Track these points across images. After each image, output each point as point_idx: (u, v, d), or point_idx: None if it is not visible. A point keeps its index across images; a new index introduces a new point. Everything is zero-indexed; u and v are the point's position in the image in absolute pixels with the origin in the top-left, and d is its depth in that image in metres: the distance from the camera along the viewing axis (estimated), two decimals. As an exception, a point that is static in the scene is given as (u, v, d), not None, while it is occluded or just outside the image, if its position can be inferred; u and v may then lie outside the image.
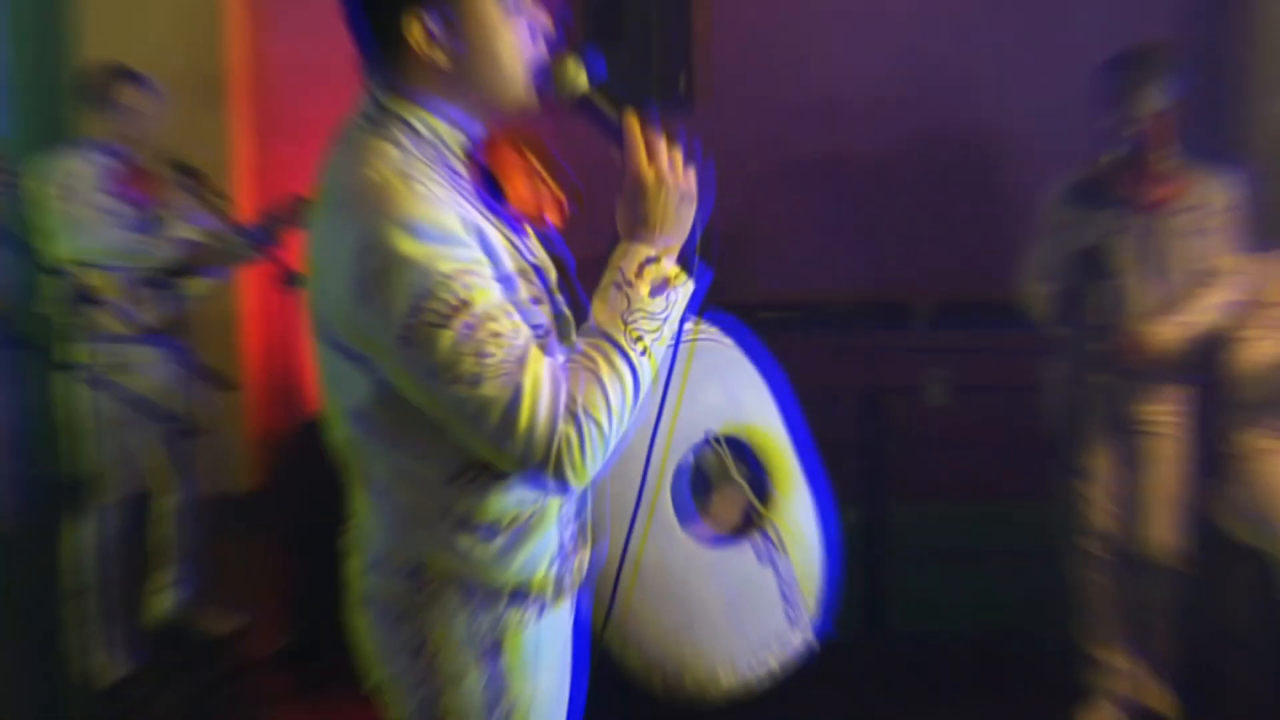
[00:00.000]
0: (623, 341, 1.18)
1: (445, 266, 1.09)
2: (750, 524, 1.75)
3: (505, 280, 1.17)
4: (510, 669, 1.30)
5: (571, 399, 1.14)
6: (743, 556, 1.74)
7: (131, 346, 2.95)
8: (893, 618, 3.25)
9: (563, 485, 1.17)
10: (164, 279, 2.94)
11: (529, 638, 1.31)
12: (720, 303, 3.24)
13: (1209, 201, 2.59)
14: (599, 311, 1.20)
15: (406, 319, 1.09)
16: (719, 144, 3.31)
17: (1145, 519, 2.66)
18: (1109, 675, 2.71)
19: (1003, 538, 3.23)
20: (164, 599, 3.32)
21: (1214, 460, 2.74)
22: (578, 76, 1.20)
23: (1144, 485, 2.67)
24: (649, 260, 1.20)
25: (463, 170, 1.24)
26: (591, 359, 1.16)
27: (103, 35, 3.86)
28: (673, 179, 1.20)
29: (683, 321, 1.30)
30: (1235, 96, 3.50)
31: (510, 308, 1.14)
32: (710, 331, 1.69)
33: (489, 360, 1.11)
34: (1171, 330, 2.53)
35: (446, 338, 1.10)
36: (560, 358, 1.16)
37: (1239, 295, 2.59)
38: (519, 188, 1.27)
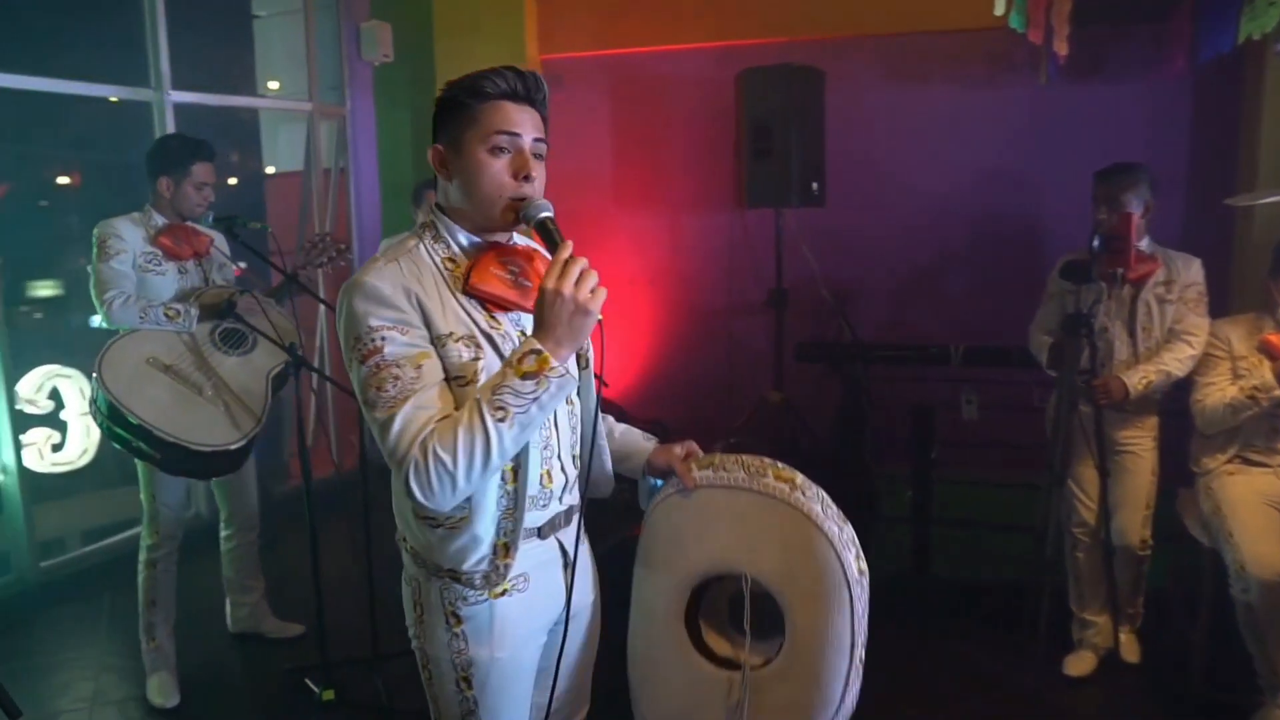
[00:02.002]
0: (485, 408, 1.35)
1: (373, 322, 1.40)
2: (734, 666, 1.71)
3: (437, 339, 1.43)
4: (467, 634, 1.55)
5: (428, 435, 1.36)
6: (713, 685, 1.71)
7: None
8: (935, 567, 3.90)
9: (418, 497, 1.37)
10: (213, 315, 3.05)
11: (479, 613, 1.54)
12: (830, 344, 4.22)
13: (1175, 279, 2.97)
14: (489, 380, 1.39)
15: (348, 350, 1.43)
16: (840, 231, 4.50)
17: (1120, 516, 3.07)
18: (1090, 630, 3.20)
19: (1014, 515, 3.78)
20: (241, 614, 3.58)
21: (1183, 474, 3.11)
22: (537, 210, 1.45)
23: (1120, 491, 3.06)
24: (534, 352, 1.36)
25: (456, 264, 1.49)
26: (464, 413, 1.37)
27: None
28: (571, 295, 1.34)
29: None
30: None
31: (415, 359, 1.40)
32: (793, 482, 1.62)
33: (383, 394, 1.39)
34: (1140, 377, 2.90)
35: (362, 370, 1.40)
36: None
37: (1197, 351, 2.93)
38: (492, 282, 1.48)
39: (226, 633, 3.65)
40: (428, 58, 5.51)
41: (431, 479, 1.35)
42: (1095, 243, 2.94)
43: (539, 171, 1.51)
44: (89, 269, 3.06)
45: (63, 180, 5.58)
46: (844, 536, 1.60)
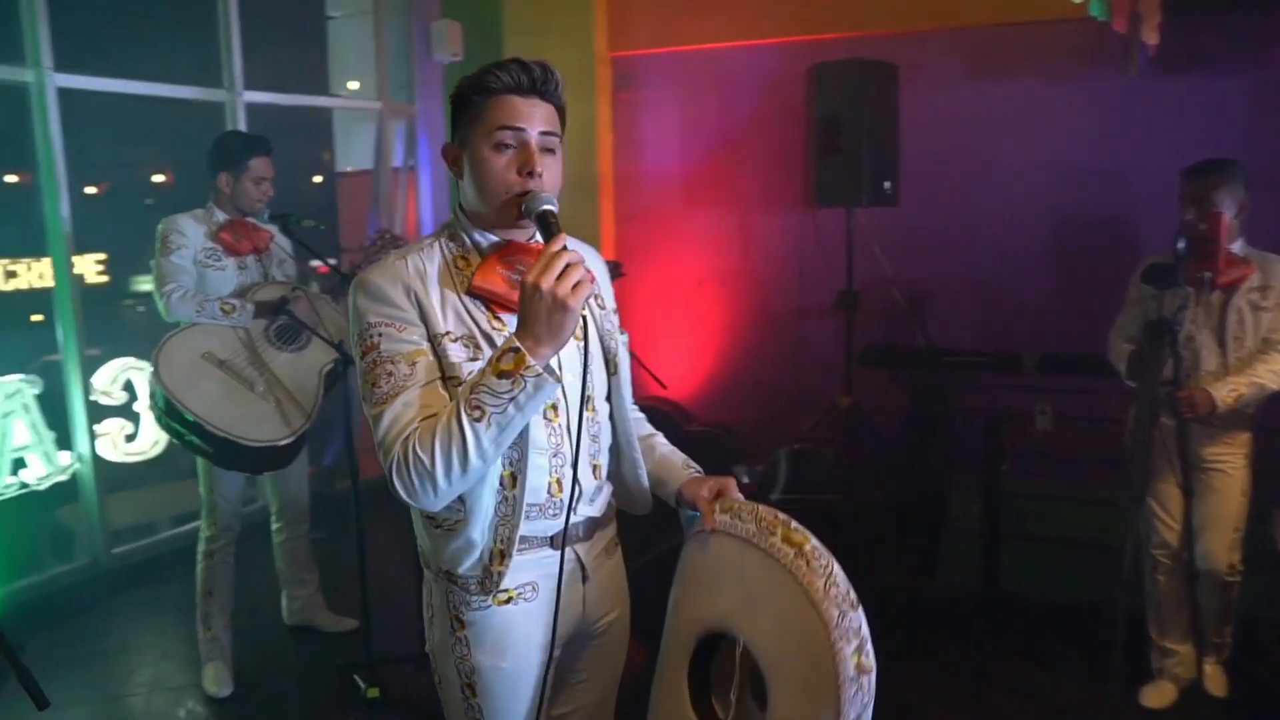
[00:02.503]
0: (463, 407, 1.32)
1: (372, 318, 1.42)
2: None
3: (434, 338, 1.42)
4: (469, 640, 1.53)
5: (411, 433, 1.35)
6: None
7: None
8: (1004, 584, 3.74)
9: (402, 494, 1.37)
10: (268, 311, 3.09)
11: (479, 618, 1.52)
12: (895, 349, 4.06)
13: (1272, 284, 2.77)
14: (470, 379, 1.36)
15: (352, 345, 1.46)
16: (914, 231, 4.35)
17: (1205, 538, 2.86)
18: (1171, 659, 3.01)
19: (1090, 532, 3.61)
20: (295, 606, 3.64)
21: (1277, 495, 2.95)
22: (539, 203, 1.41)
23: (1206, 512, 2.86)
24: (512, 350, 1.31)
25: (469, 262, 1.48)
26: (445, 412, 1.35)
27: None
28: (549, 290, 1.29)
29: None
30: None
31: (410, 356, 1.39)
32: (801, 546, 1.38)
33: (377, 389, 1.39)
34: (1229, 389, 2.71)
35: (361, 365, 1.43)
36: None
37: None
38: (495, 281, 1.46)
39: (283, 625, 3.70)
40: (497, 57, 5.51)
41: (412, 477, 1.34)
42: (1180, 245, 2.75)
43: (548, 165, 1.46)
44: (151, 264, 3.13)
45: (158, 179, 5.79)
46: (846, 624, 1.31)
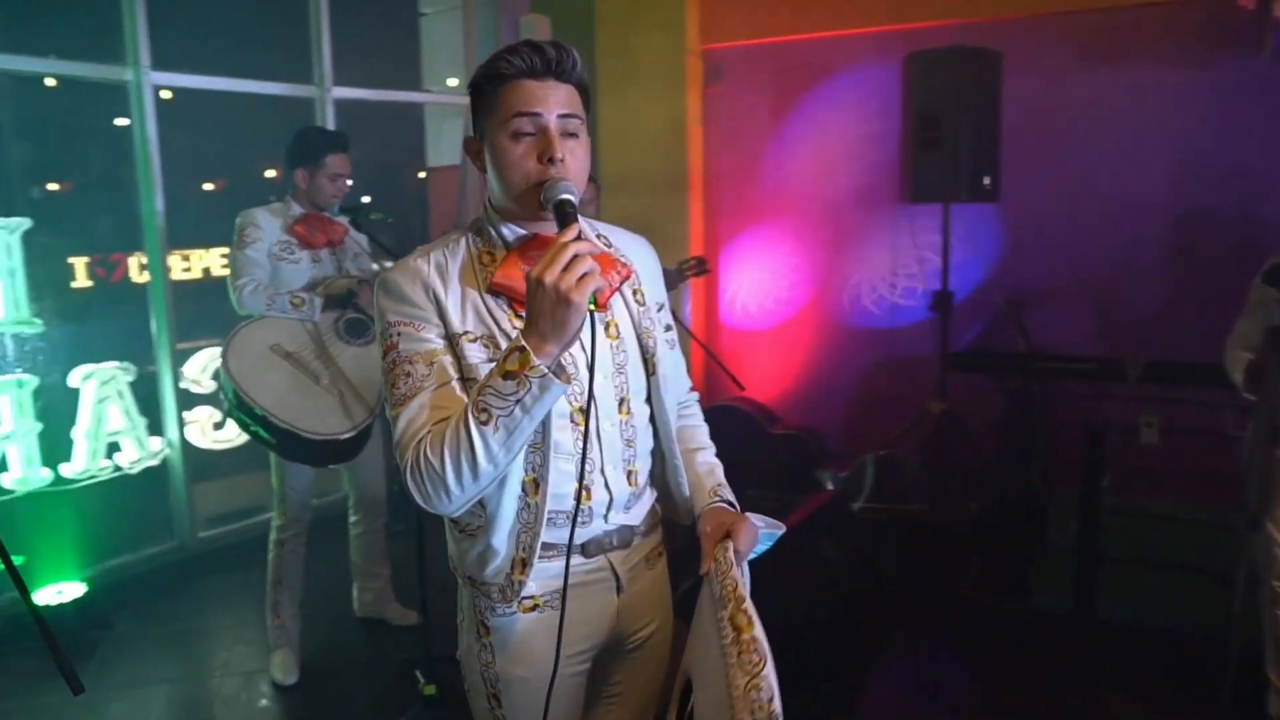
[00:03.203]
0: (470, 410, 1.27)
1: (391, 317, 1.39)
2: None
3: (452, 337, 1.37)
4: (493, 646, 1.50)
5: (424, 436, 1.31)
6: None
7: None
8: (1101, 608, 3.46)
9: (418, 499, 1.33)
10: (336, 304, 3.11)
11: (503, 625, 1.48)
12: (985, 354, 3.81)
13: None
14: (480, 380, 1.31)
15: (378, 343, 1.42)
16: (1015, 229, 4.07)
17: None
18: None
19: (1198, 556, 3.35)
20: (366, 598, 3.66)
21: None
22: (556, 192, 1.33)
23: None
24: (518, 349, 1.25)
25: (494, 258, 1.43)
26: (456, 416, 1.30)
27: (613, 147, 5.32)
28: (552, 284, 1.21)
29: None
30: None
31: (428, 356, 1.35)
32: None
33: (395, 390, 1.36)
34: None
35: (383, 364, 1.40)
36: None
37: None
38: (515, 278, 1.39)
39: (353, 616, 3.73)
40: (588, 50, 5.50)
41: (425, 482, 1.30)
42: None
43: (571, 150, 1.38)
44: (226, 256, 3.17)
45: (270, 174, 5.96)
46: None
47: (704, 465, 1.64)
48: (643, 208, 5.33)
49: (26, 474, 3.71)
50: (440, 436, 1.29)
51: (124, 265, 4.27)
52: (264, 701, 3.22)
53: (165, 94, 4.34)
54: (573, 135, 1.39)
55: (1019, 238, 4.39)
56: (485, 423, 1.25)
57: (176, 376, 4.16)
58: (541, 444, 1.40)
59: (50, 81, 4.07)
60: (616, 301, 1.51)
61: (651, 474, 1.60)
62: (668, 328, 1.61)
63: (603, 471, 1.47)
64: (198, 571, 4.21)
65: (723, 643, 1.20)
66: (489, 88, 1.39)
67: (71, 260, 4.18)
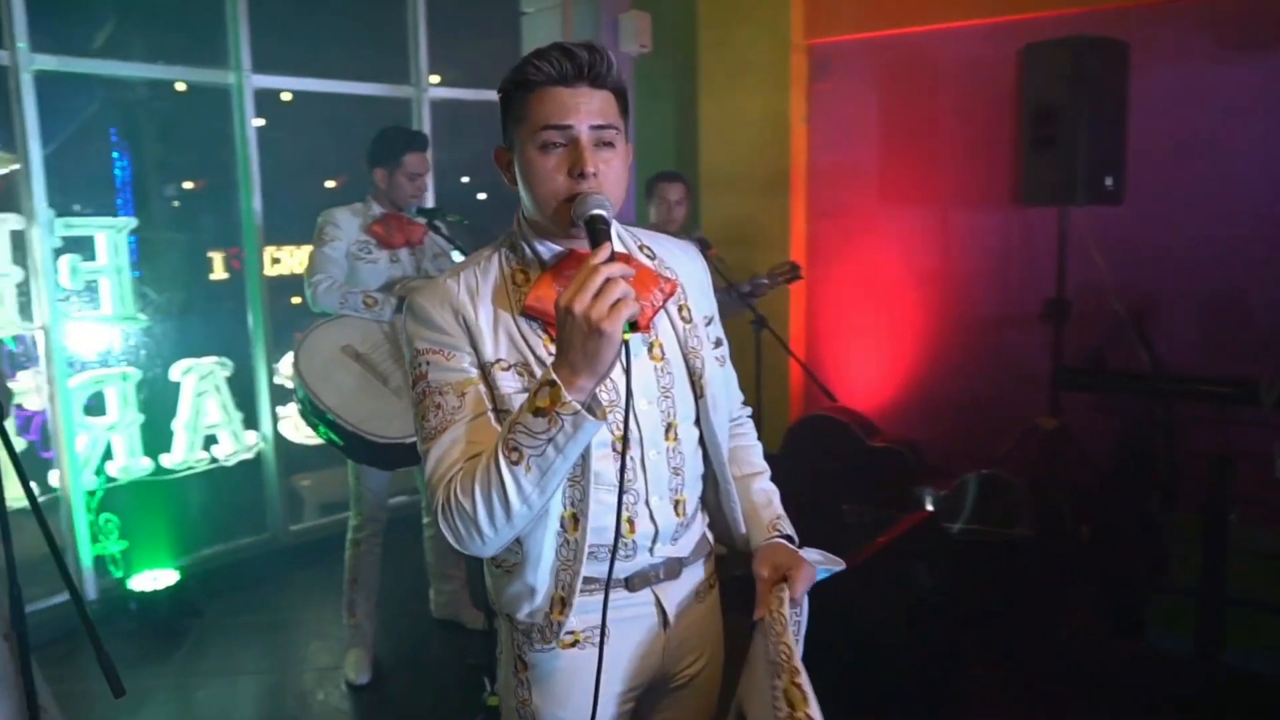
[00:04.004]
0: (501, 449, 1.19)
1: (420, 344, 1.32)
2: None
3: (485, 366, 1.30)
4: (530, 683, 1.42)
5: (455, 475, 1.24)
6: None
7: None
8: (1227, 655, 3.17)
9: (451, 541, 1.25)
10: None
11: (544, 661, 1.40)
12: (1097, 372, 3.47)
13: None
14: (511, 416, 1.22)
15: (408, 370, 1.36)
16: (1140, 234, 3.73)
17: None
18: None
19: None
20: (441, 600, 3.64)
21: None
22: (586, 207, 1.25)
23: None
24: (549, 384, 1.16)
25: (528, 277, 1.35)
26: (487, 453, 1.22)
27: (713, 145, 5.28)
28: (582, 313, 1.12)
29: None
30: None
31: (459, 387, 1.28)
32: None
33: (426, 424, 1.30)
34: None
35: (412, 395, 1.34)
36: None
37: None
38: (549, 300, 1.29)
39: (429, 618, 3.72)
40: (690, 48, 5.37)
41: (457, 524, 1.24)
42: None
43: (605, 161, 1.29)
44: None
45: (330, 184, 6.07)
46: None
47: (760, 494, 1.55)
48: (742, 207, 5.18)
49: (129, 463, 3.87)
50: (471, 476, 1.22)
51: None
52: (335, 699, 3.24)
53: (285, 96, 4.46)
54: (608, 145, 1.30)
55: (1142, 243, 4.04)
56: (516, 462, 1.18)
57: (271, 372, 4.26)
58: (581, 477, 1.32)
59: (180, 86, 4.24)
60: (661, 319, 1.42)
61: (702, 499, 1.51)
62: (718, 342, 1.50)
63: (647, 503, 1.39)
64: (287, 564, 4.30)
65: (776, 716, 1.15)
66: (518, 95, 1.30)
67: (211, 254, 4.46)
